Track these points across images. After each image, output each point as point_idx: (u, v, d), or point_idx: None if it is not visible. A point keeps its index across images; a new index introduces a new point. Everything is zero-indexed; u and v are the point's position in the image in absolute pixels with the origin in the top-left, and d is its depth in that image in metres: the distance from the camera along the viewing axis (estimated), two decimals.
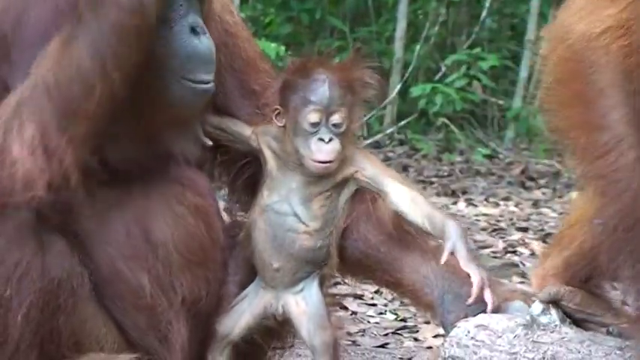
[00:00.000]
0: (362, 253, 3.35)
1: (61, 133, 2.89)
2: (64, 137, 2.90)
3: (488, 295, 3.04)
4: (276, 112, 3.22)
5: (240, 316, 3.24)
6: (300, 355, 3.85)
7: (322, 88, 3.15)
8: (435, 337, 4.13)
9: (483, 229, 7.63)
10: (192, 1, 3.13)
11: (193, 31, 3.09)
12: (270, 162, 3.24)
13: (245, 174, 3.43)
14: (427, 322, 4.38)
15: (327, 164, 3.14)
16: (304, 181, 3.19)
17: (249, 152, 3.33)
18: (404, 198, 3.19)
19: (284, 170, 3.22)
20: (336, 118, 3.14)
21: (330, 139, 3.12)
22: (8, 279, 2.90)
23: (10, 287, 2.90)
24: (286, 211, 3.19)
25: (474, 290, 3.02)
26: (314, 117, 3.12)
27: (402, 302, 3.98)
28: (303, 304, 3.17)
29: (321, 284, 3.24)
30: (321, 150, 3.12)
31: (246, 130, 3.30)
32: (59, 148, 2.90)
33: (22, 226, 2.91)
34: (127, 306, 3.20)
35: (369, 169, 3.22)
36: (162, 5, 2.98)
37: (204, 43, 3.11)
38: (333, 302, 3.38)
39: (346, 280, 3.60)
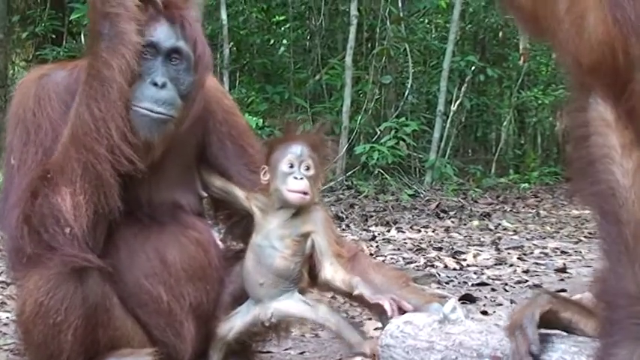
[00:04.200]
0: None
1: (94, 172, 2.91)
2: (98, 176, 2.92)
3: (388, 306, 3.03)
4: (263, 170, 3.23)
5: (235, 324, 3.23)
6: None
7: (296, 145, 3.18)
8: (375, 329, 4.09)
9: (409, 249, 7.59)
10: (164, 67, 3.07)
11: (155, 84, 3.02)
12: (257, 214, 3.25)
13: (238, 221, 3.44)
14: (369, 319, 4.36)
15: (302, 195, 3.14)
16: (280, 224, 3.19)
17: (241, 208, 3.34)
18: (329, 272, 3.18)
19: (265, 217, 3.22)
20: (305, 165, 3.15)
21: (302, 178, 3.14)
22: (58, 309, 2.88)
23: (60, 314, 2.88)
24: (266, 245, 3.18)
25: (387, 308, 3.03)
26: (290, 161, 3.15)
27: (350, 304, 3.96)
28: (291, 302, 3.17)
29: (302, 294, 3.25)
30: (295, 183, 3.13)
31: (240, 194, 3.32)
32: (100, 182, 2.92)
33: (64, 268, 2.88)
34: (150, 311, 3.17)
35: (320, 237, 3.20)
36: (137, 66, 2.98)
37: (161, 92, 3.03)
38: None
39: (311, 290, 3.58)
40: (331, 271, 3.18)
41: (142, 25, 3.02)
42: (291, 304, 3.18)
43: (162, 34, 3.09)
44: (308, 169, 3.17)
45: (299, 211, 3.19)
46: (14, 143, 3.08)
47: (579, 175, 2.25)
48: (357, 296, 3.15)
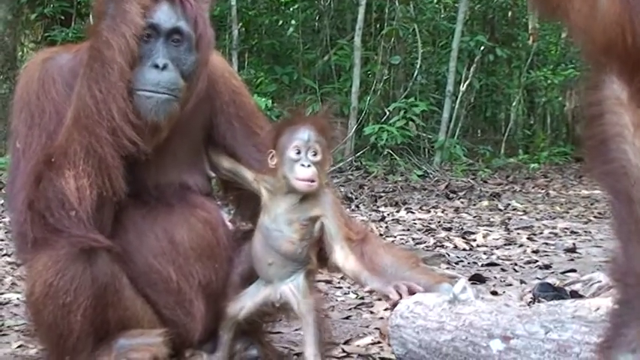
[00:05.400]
0: None
1: (100, 151, 2.91)
2: (105, 155, 2.91)
3: (403, 289, 3.06)
4: (270, 154, 3.21)
5: (245, 303, 3.23)
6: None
7: (303, 130, 3.15)
8: (385, 310, 4.11)
9: (419, 230, 7.60)
10: (164, 48, 3.05)
11: (156, 66, 3.01)
12: (265, 196, 3.24)
13: (247, 202, 3.43)
14: (379, 300, 4.37)
15: (310, 182, 3.13)
16: (288, 208, 3.18)
17: (250, 190, 3.33)
18: (340, 257, 3.17)
19: (274, 200, 3.21)
20: (312, 151, 3.12)
21: (309, 165, 3.11)
22: (67, 290, 2.88)
23: (69, 295, 2.88)
24: (274, 228, 3.17)
25: (394, 299, 3.06)
26: (297, 148, 3.12)
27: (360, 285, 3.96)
28: (294, 289, 3.16)
29: (308, 277, 3.22)
30: (303, 171, 3.10)
31: (249, 175, 3.32)
32: (104, 164, 2.92)
33: (73, 249, 2.88)
34: (160, 290, 3.18)
35: (329, 221, 3.18)
36: (136, 48, 2.96)
37: (163, 74, 3.02)
38: (313, 287, 3.36)
39: (320, 271, 3.58)
40: (342, 257, 3.18)
41: (145, 8, 3.01)
42: (292, 291, 3.18)
43: (163, 14, 3.06)
44: (315, 154, 3.14)
45: (307, 195, 3.18)
46: (19, 127, 3.08)
47: (592, 153, 2.24)
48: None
